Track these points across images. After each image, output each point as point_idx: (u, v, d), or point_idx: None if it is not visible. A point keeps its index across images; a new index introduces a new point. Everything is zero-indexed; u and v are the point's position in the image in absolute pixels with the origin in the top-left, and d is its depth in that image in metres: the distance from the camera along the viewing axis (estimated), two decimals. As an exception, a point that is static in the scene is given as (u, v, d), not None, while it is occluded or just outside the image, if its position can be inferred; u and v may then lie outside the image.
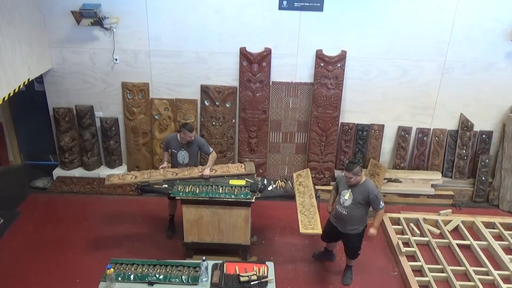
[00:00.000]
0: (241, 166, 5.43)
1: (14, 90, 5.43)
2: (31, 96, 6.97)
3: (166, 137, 5.69)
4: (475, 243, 5.69)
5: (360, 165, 4.66)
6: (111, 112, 6.71)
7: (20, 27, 5.49)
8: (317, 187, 6.30)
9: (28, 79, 5.75)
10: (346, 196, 4.66)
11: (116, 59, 6.35)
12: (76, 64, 6.40)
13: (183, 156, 5.45)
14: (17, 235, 5.75)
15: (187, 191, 4.97)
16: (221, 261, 4.26)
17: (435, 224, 6.16)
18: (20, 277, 5.04)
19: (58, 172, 6.85)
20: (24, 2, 5.57)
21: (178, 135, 5.38)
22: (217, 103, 6.55)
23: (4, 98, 5.21)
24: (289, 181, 5.38)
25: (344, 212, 4.70)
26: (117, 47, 6.27)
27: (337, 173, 6.78)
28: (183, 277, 4.07)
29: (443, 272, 5.22)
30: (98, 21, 6.01)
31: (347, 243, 4.94)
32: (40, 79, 6.60)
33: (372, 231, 4.74)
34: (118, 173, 5.56)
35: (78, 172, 6.85)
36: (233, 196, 4.90)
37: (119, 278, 4.04)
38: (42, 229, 5.87)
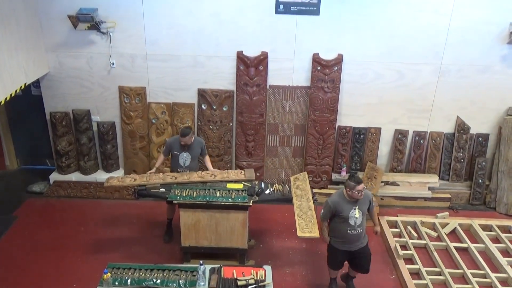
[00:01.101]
0: (241, 173, 5.36)
1: (11, 95, 5.42)
2: (27, 101, 6.97)
3: (167, 140, 5.70)
4: (472, 246, 5.70)
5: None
6: (108, 116, 6.71)
7: (17, 31, 5.49)
8: (314, 190, 6.28)
9: (25, 84, 5.73)
10: (357, 214, 4.41)
11: (113, 63, 6.35)
12: (73, 68, 6.40)
13: (184, 158, 5.46)
14: (14, 240, 5.72)
15: (184, 195, 4.96)
16: (219, 265, 4.24)
17: (433, 227, 6.16)
18: (17, 281, 5.00)
19: (54, 176, 6.83)
20: (20, 7, 5.57)
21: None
22: (214, 107, 6.55)
23: (0, 103, 5.20)
24: (286, 185, 5.38)
25: (360, 230, 4.48)
26: (114, 51, 6.27)
27: (334, 176, 6.80)
28: (180, 281, 4.05)
29: (440, 275, 5.22)
30: (95, 26, 6.01)
31: (364, 255, 4.65)
32: (36, 83, 6.59)
33: (378, 228, 4.90)
34: (117, 176, 5.54)
35: (75, 176, 6.84)
36: (230, 200, 4.89)
37: (116, 283, 4.01)
38: (39, 234, 5.85)
